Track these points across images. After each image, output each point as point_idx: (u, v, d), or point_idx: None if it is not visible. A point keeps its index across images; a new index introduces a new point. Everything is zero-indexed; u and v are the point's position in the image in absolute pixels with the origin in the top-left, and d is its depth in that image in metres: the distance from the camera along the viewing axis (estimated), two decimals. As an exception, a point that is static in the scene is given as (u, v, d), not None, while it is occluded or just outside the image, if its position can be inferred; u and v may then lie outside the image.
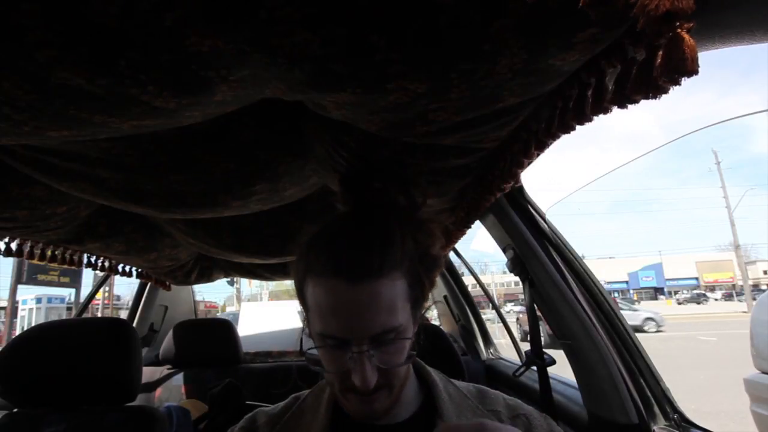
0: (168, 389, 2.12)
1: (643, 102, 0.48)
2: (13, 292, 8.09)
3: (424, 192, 0.66)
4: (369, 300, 0.50)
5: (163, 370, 2.11)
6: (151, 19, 0.44)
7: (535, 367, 1.22)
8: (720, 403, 4.45)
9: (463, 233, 1.35)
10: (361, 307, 0.50)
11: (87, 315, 3.49)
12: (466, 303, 2.33)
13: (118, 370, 1.07)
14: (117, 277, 2.02)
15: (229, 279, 3.20)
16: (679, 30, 0.37)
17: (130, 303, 2.58)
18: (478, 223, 1.29)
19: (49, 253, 1.40)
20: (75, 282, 9.51)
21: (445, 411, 0.59)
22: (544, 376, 1.19)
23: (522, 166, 0.79)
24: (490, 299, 2.59)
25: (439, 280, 2.41)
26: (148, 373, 2.05)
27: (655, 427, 0.98)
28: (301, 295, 0.57)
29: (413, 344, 0.56)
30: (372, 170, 0.68)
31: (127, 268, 1.88)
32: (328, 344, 0.53)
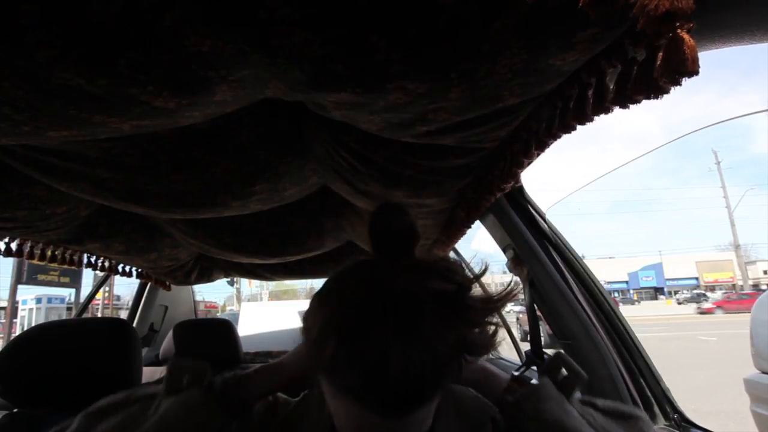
0: (168, 389, 2.12)
1: (643, 102, 0.48)
2: (13, 292, 8.08)
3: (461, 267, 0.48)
4: (402, 427, 0.42)
5: (164, 370, 2.11)
6: (151, 19, 0.44)
7: (535, 367, 1.22)
8: (720, 403, 4.44)
9: (463, 233, 1.35)
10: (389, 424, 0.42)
11: (87, 315, 3.49)
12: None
13: (119, 370, 1.07)
14: (117, 277, 2.02)
15: (229, 279, 3.20)
16: (679, 30, 0.37)
17: (130, 303, 2.58)
18: (478, 223, 1.29)
19: (49, 253, 1.40)
20: (75, 282, 9.50)
21: (446, 413, 0.56)
22: (544, 376, 1.19)
23: (522, 166, 0.79)
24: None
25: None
26: (148, 373, 2.05)
27: (655, 427, 0.98)
28: (320, 381, 0.47)
29: None
30: (408, 215, 0.53)
31: (127, 268, 1.88)
32: None
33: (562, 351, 0.58)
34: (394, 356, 0.37)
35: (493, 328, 0.46)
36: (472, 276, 0.47)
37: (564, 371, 0.52)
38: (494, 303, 0.46)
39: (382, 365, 0.37)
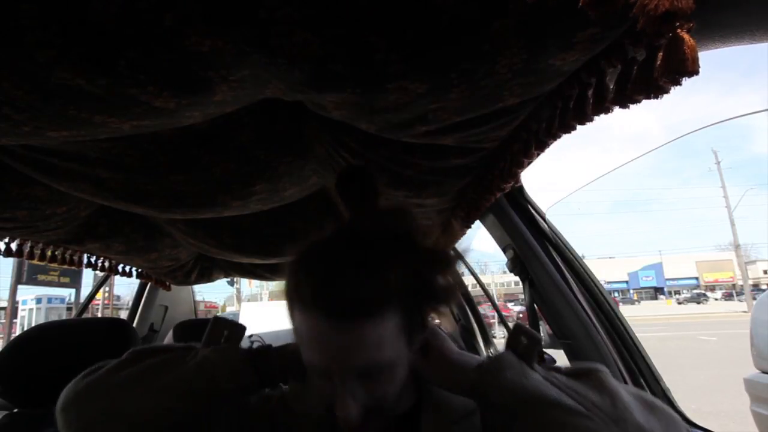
0: (168, 389, 2.12)
1: (644, 102, 0.48)
2: (13, 292, 8.08)
3: (433, 225, 0.61)
4: (351, 339, 0.46)
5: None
6: (151, 19, 0.44)
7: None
8: (720, 402, 4.44)
9: (463, 233, 1.35)
10: (342, 346, 0.47)
11: (87, 315, 3.48)
12: (466, 303, 2.33)
13: (118, 370, 1.07)
14: (117, 278, 2.02)
15: (229, 279, 3.19)
16: (679, 30, 0.37)
17: (130, 303, 2.58)
18: (478, 223, 1.29)
19: (49, 253, 1.40)
20: (75, 282, 9.50)
21: (437, 398, 0.59)
22: (544, 376, 1.19)
23: (522, 166, 0.79)
24: (491, 299, 2.59)
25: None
26: (149, 373, 2.05)
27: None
28: (290, 316, 0.53)
29: (411, 357, 0.53)
30: (370, 175, 0.61)
31: (127, 268, 1.88)
32: (314, 372, 0.51)
33: (519, 322, 0.60)
34: (342, 274, 0.47)
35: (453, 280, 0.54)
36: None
37: (524, 340, 0.54)
38: (441, 247, 0.54)
39: (331, 278, 0.47)
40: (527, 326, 0.56)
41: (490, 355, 0.61)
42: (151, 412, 0.53)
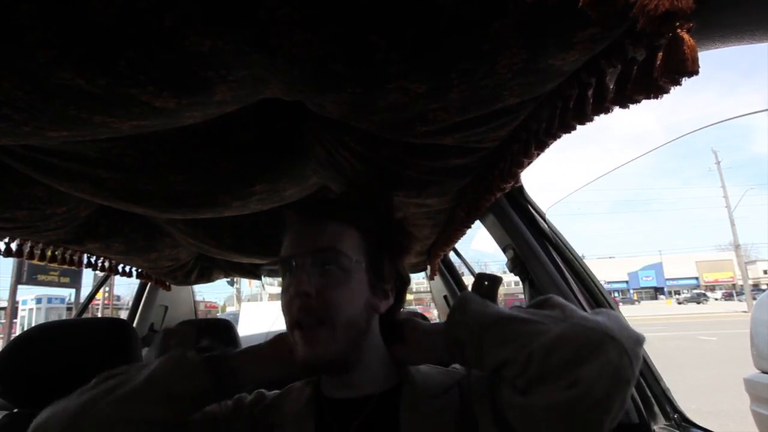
0: (168, 389, 2.12)
1: (644, 102, 0.48)
2: (13, 292, 8.08)
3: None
4: (314, 229, 0.61)
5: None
6: (151, 19, 0.44)
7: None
8: (720, 402, 4.44)
9: (463, 233, 1.35)
10: (306, 233, 0.61)
11: (87, 315, 3.48)
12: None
13: (118, 371, 1.07)
14: (117, 278, 2.02)
15: (229, 279, 3.19)
16: (678, 30, 0.37)
17: (130, 303, 2.58)
18: (478, 223, 1.29)
19: (49, 253, 1.40)
20: (75, 282, 9.50)
21: (416, 378, 0.63)
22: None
23: (522, 166, 0.79)
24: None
25: (438, 280, 2.41)
26: (149, 373, 2.05)
27: (655, 427, 0.98)
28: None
29: (374, 300, 0.62)
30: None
31: (127, 269, 1.88)
32: (285, 274, 0.61)
33: (482, 271, 0.67)
34: (318, 198, 0.74)
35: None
36: None
37: (486, 283, 0.61)
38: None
39: (310, 198, 0.70)
40: (488, 273, 0.63)
41: None
42: (110, 428, 0.54)
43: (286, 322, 0.60)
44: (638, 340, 0.50)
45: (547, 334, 0.49)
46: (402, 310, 0.70)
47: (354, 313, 0.59)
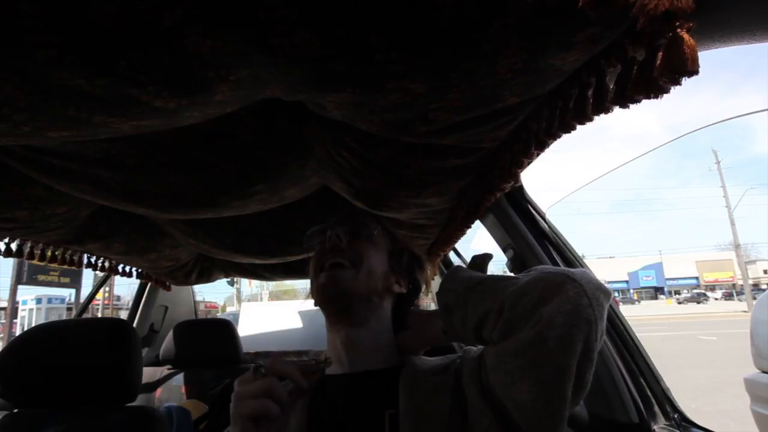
0: (168, 389, 2.12)
1: (645, 103, 0.48)
2: (13, 292, 8.08)
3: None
4: (350, 210, 0.73)
5: (164, 371, 2.11)
6: (151, 20, 0.44)
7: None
8: (720, 402, 4.45)
9: (463, 233, 1.35)
10: (345, 211, 0.76)
11: (87, 315, 3.48)
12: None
13: (119, 371, 1.07)
14: (117, 278, 2.02)
15: (229, 279, 3.19)
16: (679, 30, 0.37)
17: (130, 303, 2.58)
18: (478, 223, 1.29)
19: (49, 253, 1.40)
20: (75, 282, 9.50)
21: (416, 361, 0.66)
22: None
23: (522, 166, 0.79)
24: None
25: (439, 280, 2.40)
26: (149, 374, 2.05)
27: (655, 427, 0.98)
28: None
29: (389, 277, 0.71)
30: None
31: (128, 269, 1.88)
32: (317, 244, 0.73)
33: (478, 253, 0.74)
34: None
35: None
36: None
37: (477, 259, 0.69)
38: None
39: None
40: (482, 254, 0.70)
41: None
42: None
43: (314, 268, 0.70)
44: (600, 287, 0.51)
45: (518, 284, 0.54)
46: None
47: (376, 269, 0.69)
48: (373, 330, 0.67)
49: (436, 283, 2.51)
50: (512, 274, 0.61)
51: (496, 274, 0.62)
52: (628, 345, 1.06)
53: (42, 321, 5.85)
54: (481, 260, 0.69)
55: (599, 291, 0.51)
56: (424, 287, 0.79)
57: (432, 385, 0.61)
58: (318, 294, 0.67)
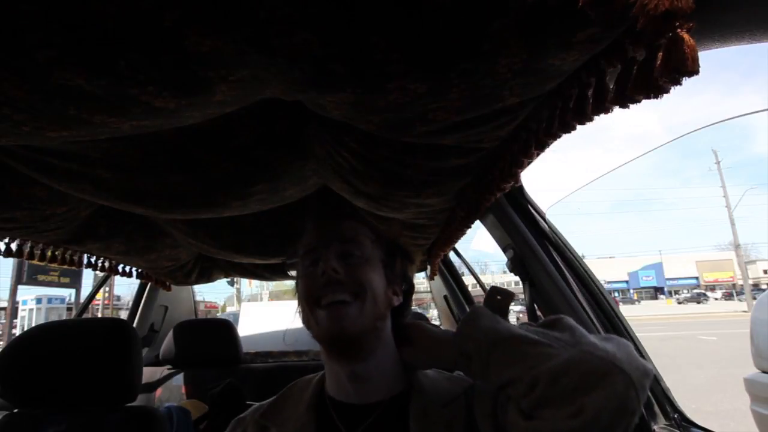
0: (168, 389, 2.12)
1: (645, 103, 0.48)
2: (13, 292, 8.08)
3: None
4: (333, 227, 0.66)
5: (164, 371, 2.11)
6: (151, 20, 0.44)
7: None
8: (720, 402, 4.45)
9: (463, 233, 1.35)
10: (326, 230, 0.66)
11: (87, 315, 3.48)
12: (467, 303, 2.33)
13: (119, 371, 1.07)
14: (117, 278, 2.02)
15: (229, 279, 3.19)
16: (678, 30, 0.37)
17: (130, 303, 2.58)
18: (478, 223, 1.29)
19: (49, 253, 1.40)
20: (75, 282, 9.51)
21: (425, 384, 0.63)
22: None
23: (522, 166, 0.79)
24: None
25: (438, 280, 2.41)
26: (149, 374, 2.05)
27: (655, 427, 0.98)
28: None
29: (389, 291, 0.65)
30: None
31: (127, 269, 1.88)
32: (306, 264, 0.64)
33: (495, 285, 0.67)
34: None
35: None
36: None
37: (498, 297, 0.61)
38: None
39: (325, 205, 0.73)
40: (501, 287, 0.63)
41: None
42: None
43: (307, 302, 0.61)
44: (646, 372, 0.49)
45: (555, 358, 0.49)
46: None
47: (378, 292, 0.62)
48: (379, 359, 0.62)
49: (436, 283, 2.52)
50: (542, 334, 0.53)
51: (518, 326, 0.55)
52: (628, 345, 1.06)
53: (42, 321, 5.85)
54: (503, 301, 0.61)
55: (645, 377, 0.48)
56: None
57: (444, 418, 0.58)
58: (319, 334, 0.61)
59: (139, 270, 1.96)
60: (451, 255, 2.26)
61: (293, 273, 0.70)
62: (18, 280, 7.93)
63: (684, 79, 0.40)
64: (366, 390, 0.61)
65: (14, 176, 0.91)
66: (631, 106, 0.50)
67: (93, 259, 1.63)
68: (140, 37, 0.46)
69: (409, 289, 0.71)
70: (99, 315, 9.72)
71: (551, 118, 0.64)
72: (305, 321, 0.63)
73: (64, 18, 0.43)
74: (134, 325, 2.33)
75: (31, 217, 1.08)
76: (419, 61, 0.51)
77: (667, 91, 0.43)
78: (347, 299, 0.59)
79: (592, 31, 0.46)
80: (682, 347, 8.93)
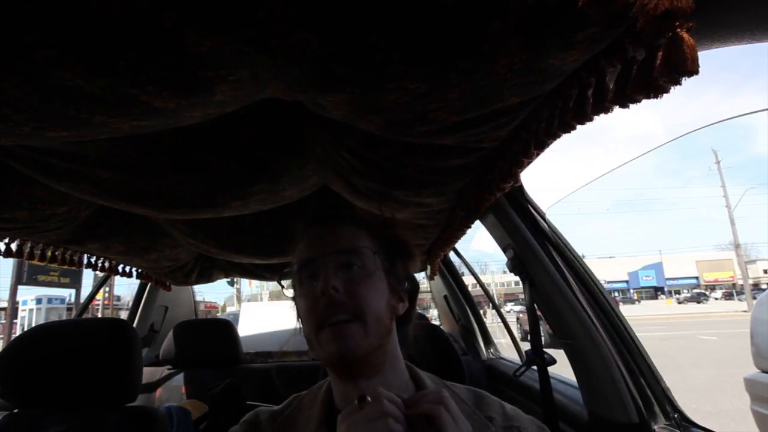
0: (168, 389, 2.12)
1: (648, 104, 0.48)
2: (13, 292, 8.08)
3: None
4: (329, 235, 0.62)
5: (164, 371, 2.11)
6: (151, 20, 0.44)
7: (535, 367, 1.22)
8: (720, 402, 4.45)
9: (463, 233, 1.35)
10: (323, 240, 0.61)
11: (87, 315, 3.48)
12: (467, 303, 2.33)
13: (119, 371, 1.07)
14: (117, 278, 2.02)
15: (229, 279, 3.19)
16: (678, 29, 0.37)
17: (131, 303, 2.58)
18: (478, 223, 1.29)
19: (49, 253, 1.40)
20: (75, 282, 9.51)
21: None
22: (544, 376, 1.19)
23: (522, 166, 0.79)
24: (491, 299, 2.59)
25: (439, 280, 2.40)
26: (149, 374, 2.05)
27: (655, 427, 0.98)
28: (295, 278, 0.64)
29: (393, 302, 0.62)
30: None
31: (128, 269, 1.88)
32: (303, 279, 0.61)
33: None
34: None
35: None
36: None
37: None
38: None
39: (320, 211, 0.65)
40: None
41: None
42: None
43: (311, 324, 0.58)
44: None
45: None
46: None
47: (381, 309, 0.59)
48: (386, 374, 0.61)
49: (436, 283, 2.52)
50: None
51: None
52: (628, 345, 1.06)
53: (42, 321, 5.84)
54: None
55: None
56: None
57: None
58: (323, 356, 0.59)
59: (139, 270, 1.96)
60: (451, 255, 2.26)
61: (289, 292, 0.66)
62: (18, 280, 7.93)
63: (684, 79, 0.40)
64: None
65: (14, 176, 0.91)
66: (631, 105, 0.50)
67: (93, 259, 1.63)
68: (140, 37, 0.46)
69: (414, 289, 0.68)
70: (99, 315, 9.72)
71: (551, 118, 0.64)
72: (308, 342, 0.61)
73: (64, 18, 0.43)
74: (134, 325, 2.33)
75: (31, 217, 1.08)
76: (419, 61, 0.51)
77: (667, 91, 0.43)
78: (349, 320, 0.57)
79: (592, 31, 0.46)
80: (682, 347, 8.93)
